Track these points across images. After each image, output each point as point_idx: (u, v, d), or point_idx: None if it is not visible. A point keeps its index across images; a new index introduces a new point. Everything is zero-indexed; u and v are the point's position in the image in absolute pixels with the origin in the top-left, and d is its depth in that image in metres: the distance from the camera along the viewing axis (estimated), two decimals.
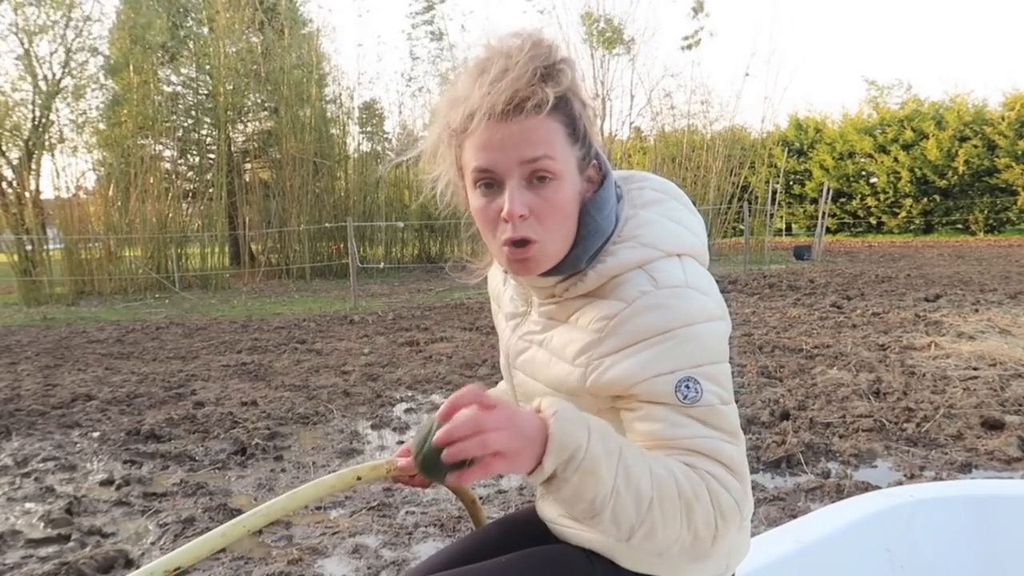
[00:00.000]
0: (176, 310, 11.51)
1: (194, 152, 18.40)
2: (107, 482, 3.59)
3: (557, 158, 0.94)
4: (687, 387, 0.91)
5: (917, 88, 42.79)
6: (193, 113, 18.58)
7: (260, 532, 2.98)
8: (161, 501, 3.36)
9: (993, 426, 3.91)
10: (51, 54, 14.55)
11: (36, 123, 14.41)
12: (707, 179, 19.30)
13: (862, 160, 26.97)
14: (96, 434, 4.47)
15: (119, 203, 15.01)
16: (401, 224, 18.52)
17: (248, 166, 19.18)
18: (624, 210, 1.03)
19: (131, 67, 15.16)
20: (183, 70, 18.34)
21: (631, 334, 0.94)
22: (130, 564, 2.74)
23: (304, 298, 12.77)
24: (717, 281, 1.02)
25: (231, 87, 17.63)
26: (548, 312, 1.07)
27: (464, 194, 1.04)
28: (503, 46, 0.94)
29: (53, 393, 5.52)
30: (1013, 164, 23.71)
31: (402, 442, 4.18)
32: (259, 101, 18.51)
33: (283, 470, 3.75)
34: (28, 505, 3.38)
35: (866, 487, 3.16)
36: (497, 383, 1.36)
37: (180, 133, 17.74)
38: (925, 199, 25.72)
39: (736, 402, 0.97)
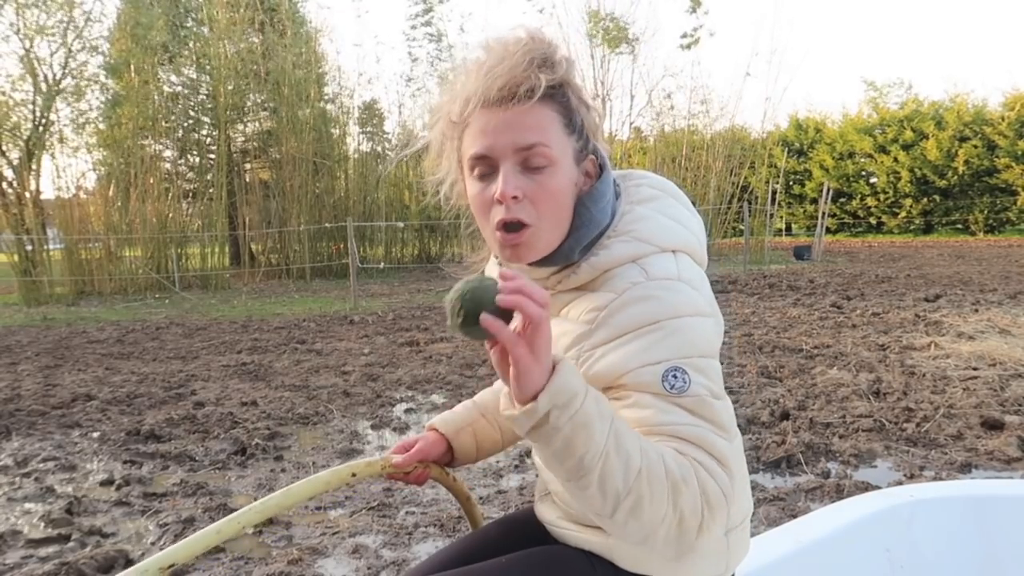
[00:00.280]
0: (176, 310, 11.51)
1: (194, 152, 18.40)
2: (107, 482, 3.59)
3: (552, 146, 0.95)
4: (674, 377, 0.90)
5: (917, 88, 42.85)
6: (193, 113, 18.58)
7: (260, 532, 2.98)
8: (161, 501, 3.36)
9: (993, 426, 3.91)
10: (52, 54, 14.56)
11: (36, 123, 14.41)
12: (707, 179, 19.30)
13: (862, 160, 26.98)
14: (96, 434, 4.47)
15: (119, 203, 15.01)
16: (401, 224, 18.53)
17: (248, 166, 19.18)
18: (621, 206, 1.03)
19: (132, 67, 15.16)
20: (183, 70, 18.35)
21: (620, 325, 0.94)
22: (130, 564, 2.73)
23: (304, 298, 12.77)
24: (717, 281, 1.02)
25: (231, 87, 17.63)
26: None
27: (464, 188, 1.04)
28: (502, 41, 0.96)
29: (53, 393, 5.52)
30: (1013, 164, 23.71)
31: None
32: (259, 101, 18.50)
33: (283, 470, 3.75)
34: (28, 505, 3.39)
35: (866, 487, 3.16)
36: (495, 383, 1.36)
37: (180, 133, 17.75)
38: (925, 199, 25.72)
39: (736, 402, 0.97)
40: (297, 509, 3.20)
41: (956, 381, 4.82)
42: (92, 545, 2.91)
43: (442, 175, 1.08)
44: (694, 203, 1.11)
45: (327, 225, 17.29)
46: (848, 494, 3.09)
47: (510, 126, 0.94)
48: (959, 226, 25.73)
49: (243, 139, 19.26)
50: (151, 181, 15.32)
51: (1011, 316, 7.19)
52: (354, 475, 1.11)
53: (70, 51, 14.63)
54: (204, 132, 18.53)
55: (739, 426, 0.97)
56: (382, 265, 17.90)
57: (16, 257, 13.63)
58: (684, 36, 19.70)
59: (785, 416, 4.21)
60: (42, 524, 3.12)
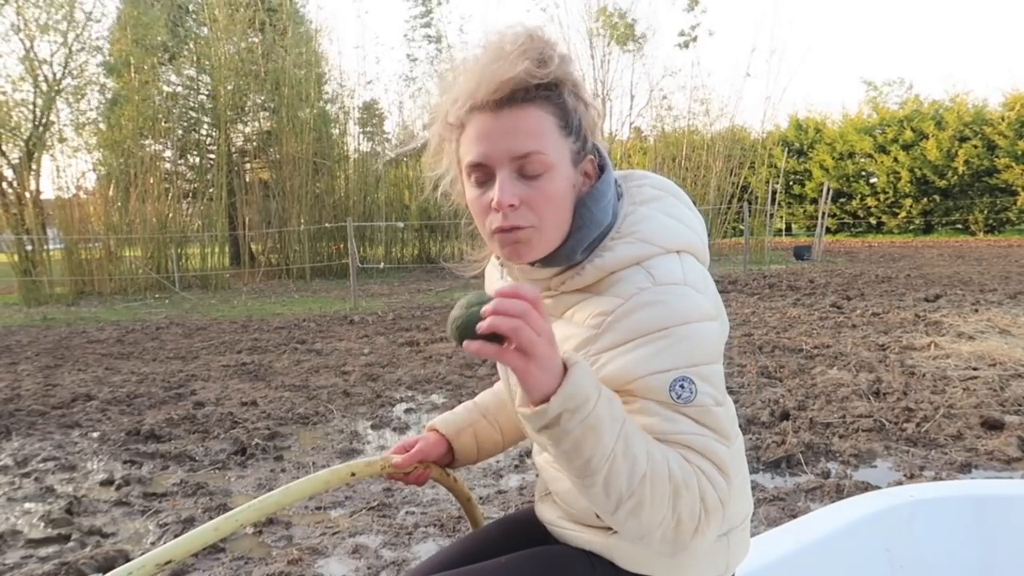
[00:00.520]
0: (176, 310, 11.51)
1: (194, 152, 18.40)
2: (107, 482, 3.59)
3: (548, 151, 0.95)
4: (681, 387, 0.91)
5: (917, 88, 42.81)
6: (193, 113, 18.58)
7: (260, 532, 2.98)
8: (161, 501, 3.36)
9: (993, 426, 3.91)
10: (52, 54, 14.56)
11: (37, 123, 14.41)
12: (707, 179, 19.30)
13: (862, 160, 26.98)
14: (96, 434, 4.47)
15: (119, 203, 15.01)
16: (401, 224, 18.53)
17: (248, 166, 19.18)
18: (623, 207, 1.03)
19: (132, 67, 15.16)
20: (183, 70, 18.34)
21: (628, 331, 0.94)
22: None
23: (304, 298, 12.77)
24: (717, 281, 1.02)
25: (231, 87, 17.63)
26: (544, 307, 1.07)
27: (463, 188, 1.04)
28: (500, 39, 0.95)
29: (53, 393, 5.52)
30: (1013, 164, 23.70)
31: None
32: (259, 101, 18.50)
33: (283, 470, 3.75)
34: (28, 505, 3.38)
35: (866, 487, 3.16)
36: (496, 384, 1.36)
37: (180, 133, 17.74)
38: (925, 199, 25.72)
39: (736, 402, 0.97)
40: (297, 509, 3.20)
41: (956, 381, 4.82)
42: (92, 545, 2.91)
43: (442, 171, 1.08)
44: (694, 203, 1.11)
45: (327, 225, 17.30)
46: (848, 494, 3.09)
47: (505, 133, 0.93)
48: (959, 226, 25.73)
49: (243, 139, 19.26)
50: (151, 181, 15.32)
51: (1011, 316, 7.19)
52: (353, 475, 1.11)
53: (70, 51, 14.64)
54: (204, 132, 18.54)
55: (739, 426, 0.97)
56: (382, 265, 17.90)
57: (16, 257, 13.63)
58: (682, 34, 19.74)
59: (785, 416, 4.21)
60: (42, 524, 3.12)
